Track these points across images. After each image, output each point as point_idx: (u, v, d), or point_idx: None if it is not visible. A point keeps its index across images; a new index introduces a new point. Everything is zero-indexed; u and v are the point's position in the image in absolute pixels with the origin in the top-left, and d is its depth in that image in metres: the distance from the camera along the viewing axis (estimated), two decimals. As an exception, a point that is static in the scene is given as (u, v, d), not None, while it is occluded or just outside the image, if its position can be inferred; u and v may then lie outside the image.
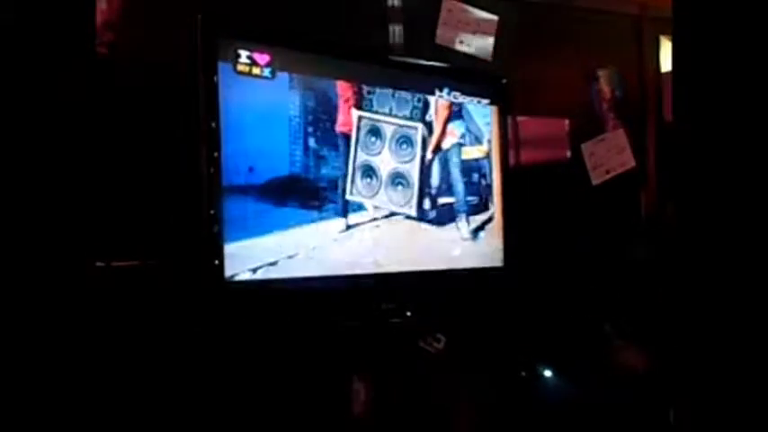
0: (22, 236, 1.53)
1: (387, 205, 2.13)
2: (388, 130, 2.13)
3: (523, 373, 2.32)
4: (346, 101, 2.05)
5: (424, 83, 2.23)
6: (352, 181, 2.05)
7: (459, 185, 2.30)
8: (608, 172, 2.60)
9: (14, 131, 1.54)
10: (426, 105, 2.21)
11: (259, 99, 1.87)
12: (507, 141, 2.43)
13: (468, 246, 2.31)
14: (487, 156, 2.37)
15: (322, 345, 1.94)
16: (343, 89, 2.05)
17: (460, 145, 2.30)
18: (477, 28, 2.41)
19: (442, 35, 2.35)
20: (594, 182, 2.60)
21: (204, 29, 1.76)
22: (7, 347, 1.48)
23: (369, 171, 2.09)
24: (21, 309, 1.51)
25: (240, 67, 1.83)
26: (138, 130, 1.80)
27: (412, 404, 2.02)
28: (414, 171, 2.19)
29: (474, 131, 2.34)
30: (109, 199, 1.71)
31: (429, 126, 2.22)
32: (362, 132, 2.08)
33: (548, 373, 2.33)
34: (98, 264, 1.64)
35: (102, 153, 1.70)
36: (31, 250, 1.51)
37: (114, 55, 1.80)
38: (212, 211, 1.75)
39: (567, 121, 2.66)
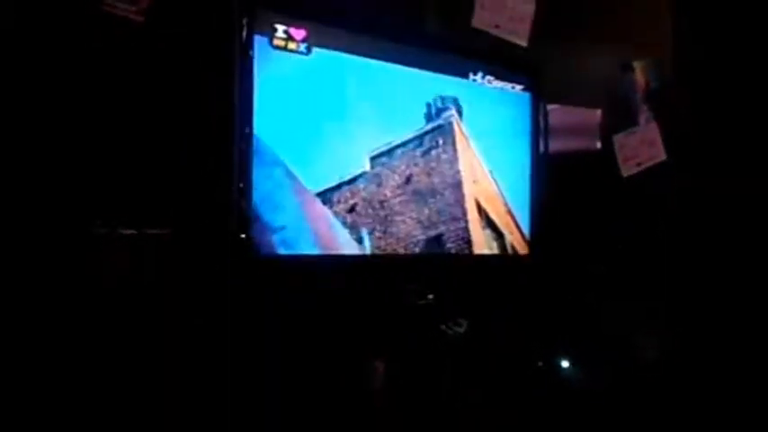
0: (52, 203, 1.55)
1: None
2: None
3: (540, 363, 2.32)
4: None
5: (460, 66, 2.21)
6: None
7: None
8: (639, 165, 2.58)
9: (41, 101, 1.55)
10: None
11: (293, 74, 1.86)
12: (539, 129, 2.42)
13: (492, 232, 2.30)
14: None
15: (343, 322, 1.95)
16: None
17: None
18: (514, 13, 2.38)
19: (478, 19, 2.32)
20: (624, 174, 2.57)
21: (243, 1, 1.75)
22: (33, 310, 1.50)
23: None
24: (49, 276, 1.52)
25: (276, 42, 1.82)
26: (170, 99, 1.79)
27: (429, 387, 2.03)
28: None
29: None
30: (139, 168, 1.73)
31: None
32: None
33: (565, 365, 2.33)
34: (129, 231, 1.65)
35: (135, 121, 1.72)
36: (60, 216, 1.53)
37: (150, 23, 1.79)
38: (242, 185, 1.76)
39: (599, 112, 2.63)
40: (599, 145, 2.61)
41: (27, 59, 1.59)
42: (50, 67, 1.62)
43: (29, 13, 1.59)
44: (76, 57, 1.66)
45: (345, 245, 1.97)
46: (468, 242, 2.22)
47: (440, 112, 2.15)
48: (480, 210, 2.26)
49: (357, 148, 2.00)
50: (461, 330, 2.15)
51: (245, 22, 1.76)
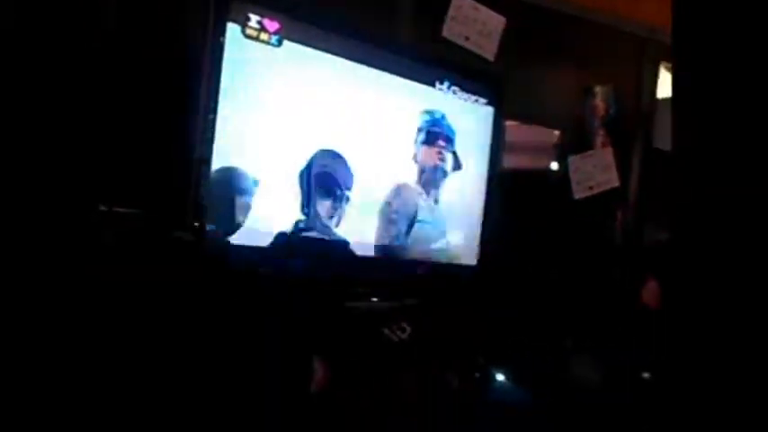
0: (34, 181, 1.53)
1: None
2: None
3: (477, 375, 2.34)
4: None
5: (427, 74, 2.23)
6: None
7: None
8: (591, 188, 2.62)
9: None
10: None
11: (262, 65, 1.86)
12: (499, 143, 2.45)
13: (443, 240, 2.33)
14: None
15: (285, 321, 1.94)
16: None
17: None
18: (484, 27, 2.40)
19: (449, 29, 2.33)
20: (576, 196, 2.61)
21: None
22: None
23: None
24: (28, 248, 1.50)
25: (249, 31, 1.81)
26: (142, 82, 1.77)
27: (370, 390, 2.03)
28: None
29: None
30: (112, 148, 1.71)
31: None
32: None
33: (500, 377, 2.35)
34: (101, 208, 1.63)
35: (107, 103, 1.70)
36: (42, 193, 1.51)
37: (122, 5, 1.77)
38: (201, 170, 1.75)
39: (557, 132, 2.67)
40: (555, 165, 2.65)
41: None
42: (28, 52, 1.60)
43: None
44: (51, 41, 1.64)
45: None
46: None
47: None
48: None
49: (313, 143, 2.00)
50: (404, 336, 2.16)
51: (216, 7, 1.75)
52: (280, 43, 1.87)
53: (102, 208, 1.65)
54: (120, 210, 1.67)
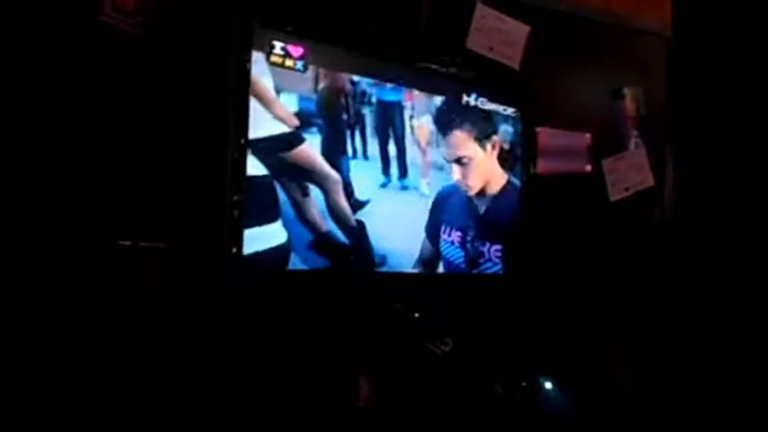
0: (55, 215, 1.56)
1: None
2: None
3: (524, 383, 2.33)
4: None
5: (454, 86, 2.25)
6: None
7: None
8: (627, 189, 2.61)
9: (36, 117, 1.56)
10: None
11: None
12: (530, 150, 2.45)
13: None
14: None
15: (329, 341, 1.96)
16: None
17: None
18: (508, 36, 2.41)
19: (472, 41, 2.34)
20: (613, 198, 2.60)
21: (242, 17, 1.78)
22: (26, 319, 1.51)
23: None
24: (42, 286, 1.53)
25: (273, 58, 1.84)
26: (167, 113, 1.81)
27: (416, 405, 2.03)
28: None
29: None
30: (134, 181, 1.74)
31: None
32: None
33: (548, 385, 2.34)
34: (124, 243, 1.66)
35: (132, 135, 1.73)
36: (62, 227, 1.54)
37: (147, 36, 1.81)
38: (236, 198, 1.77)
39: (588, 135, 2.66)
40: (589, 168, 2.64)
41: (28, 72, 1.61)
42: (51, 79, 1.64)
43: (30, 28, 1.60)
44: (76, 70, 1.67)
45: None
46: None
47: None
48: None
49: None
50: (447, 349, 2.16)
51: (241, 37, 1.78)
52: (305, 68, 1.90)
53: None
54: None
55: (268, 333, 1.86)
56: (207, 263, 1.80)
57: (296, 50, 1.87)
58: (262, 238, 1.85)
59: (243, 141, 1.78)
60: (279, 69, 1.86)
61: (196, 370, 1.74)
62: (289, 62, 1.86)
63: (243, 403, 1.79)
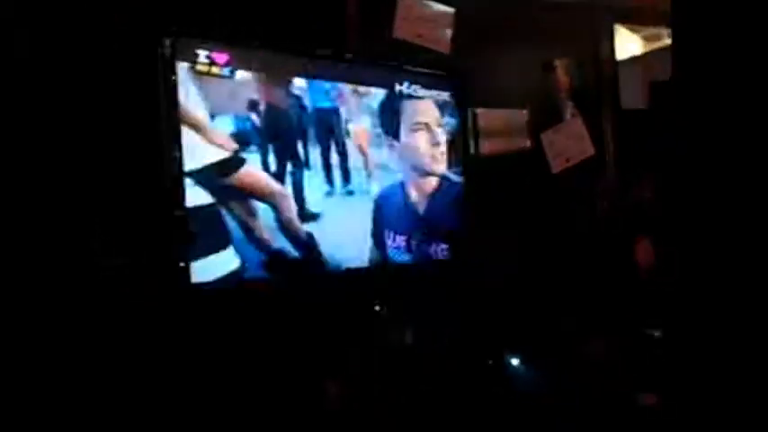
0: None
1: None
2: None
3: (490, 362, 2.35)
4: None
5: (384, 78, 2.25)
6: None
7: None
8: (568, 160, 2.63)
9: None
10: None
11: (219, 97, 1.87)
12: (467, 133, 2.47)
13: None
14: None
15: (294, 345, 1.95)
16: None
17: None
18: (435, 21, 2.42)
19: (399, 29, 2.35)
20: (555, 170, 2.62)
21: (162, 30, 1.75)
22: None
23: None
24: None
25: (199, 67, 1.82)
26: (100, 133, 1.78)
27: (385, 398, 2.03)
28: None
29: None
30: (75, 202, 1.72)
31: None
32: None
33: (514, 362, 2.35)
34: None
35: (67, 157, 1.71)
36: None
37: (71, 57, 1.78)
38: (177, 213, 1.76)
39: (525, 111, 2.69)
40: (529, 143, 2.66)
41: None
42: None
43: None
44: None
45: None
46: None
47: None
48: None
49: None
50: (409, 338, 2.17)
51: (166, 50, 1.76)
52: (233, 74, 1.88)
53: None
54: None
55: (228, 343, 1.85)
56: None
57: (220, 57, 1.85)
58: (214, 267, 1.83)
59: (177, 154, 1.76)
60: (211, 88, 1.83)
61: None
62: (215, 69, 1.84)
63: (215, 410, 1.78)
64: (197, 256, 1.78)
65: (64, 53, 1.74)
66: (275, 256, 1.95)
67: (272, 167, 1.97)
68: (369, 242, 2.20)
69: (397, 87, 2.27)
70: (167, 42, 1.75)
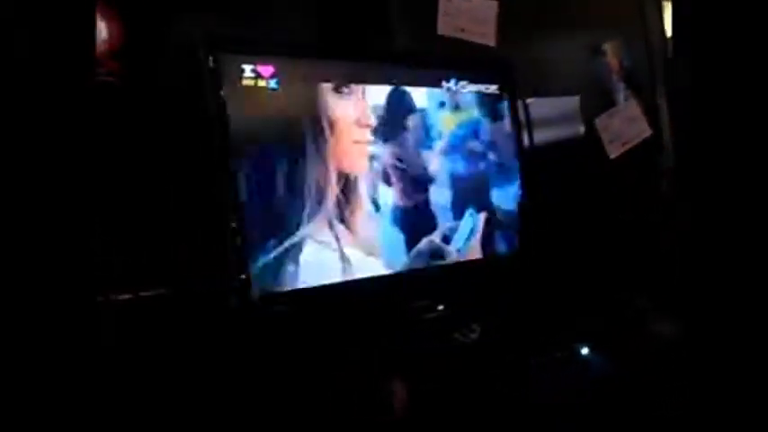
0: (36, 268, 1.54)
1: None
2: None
3: (559, 354, 2.31)
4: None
5: (430, 77, 2.23)
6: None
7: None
8: (624, 144, 2.59)
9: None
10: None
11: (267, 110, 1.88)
12: (519, 125, 2.43)
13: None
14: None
15: (359, 352, 1.95)
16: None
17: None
18: (478, 15, 2.40)
19: (443, 25, 2.33)
20: (612, 155, 2.58)
21: (207, 48, 1.77)
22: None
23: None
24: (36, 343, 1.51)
25: (245, 82, 1.83)
26: (149, 155, 1.80)
27: (452, 398, 2.02)
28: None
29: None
30: (120, 228, 1.73)
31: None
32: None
33: (584, 351, 2.32)
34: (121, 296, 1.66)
35: (114, 180, 1.73)
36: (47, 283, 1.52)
37: (122, 82, 1.80)
38: (233, 224, 1.77)
39: (577, 98, 2.65)
40: (583, 130, 2.62)
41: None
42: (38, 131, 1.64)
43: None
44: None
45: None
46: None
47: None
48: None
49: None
50: (475, 336, 2.15)
51: (211, 67, 1.77)
52: (279, 85, 1.89)
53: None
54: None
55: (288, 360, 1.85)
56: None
57: (266, 70, 1.86)
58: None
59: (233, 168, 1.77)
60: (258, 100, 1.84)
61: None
62: (261, 82, 1.85)
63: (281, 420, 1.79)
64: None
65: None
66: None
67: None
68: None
69: (445, 84, 2.25)
70: (211, 59, 1.77)
